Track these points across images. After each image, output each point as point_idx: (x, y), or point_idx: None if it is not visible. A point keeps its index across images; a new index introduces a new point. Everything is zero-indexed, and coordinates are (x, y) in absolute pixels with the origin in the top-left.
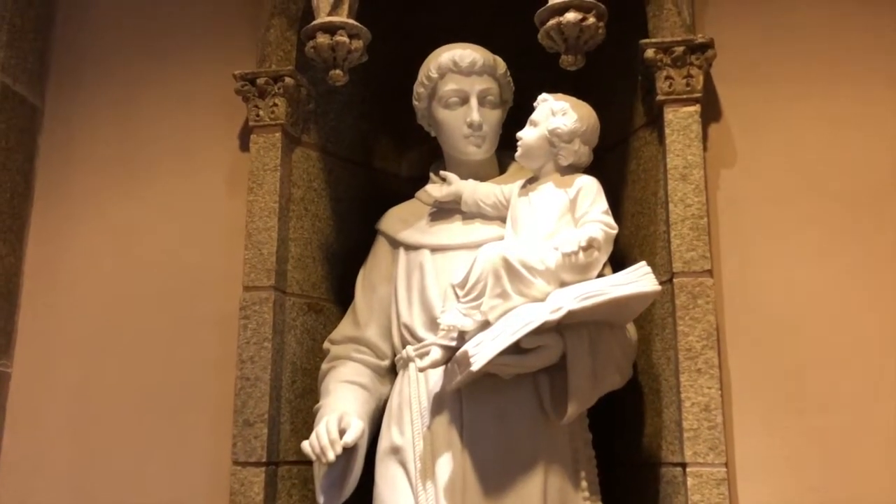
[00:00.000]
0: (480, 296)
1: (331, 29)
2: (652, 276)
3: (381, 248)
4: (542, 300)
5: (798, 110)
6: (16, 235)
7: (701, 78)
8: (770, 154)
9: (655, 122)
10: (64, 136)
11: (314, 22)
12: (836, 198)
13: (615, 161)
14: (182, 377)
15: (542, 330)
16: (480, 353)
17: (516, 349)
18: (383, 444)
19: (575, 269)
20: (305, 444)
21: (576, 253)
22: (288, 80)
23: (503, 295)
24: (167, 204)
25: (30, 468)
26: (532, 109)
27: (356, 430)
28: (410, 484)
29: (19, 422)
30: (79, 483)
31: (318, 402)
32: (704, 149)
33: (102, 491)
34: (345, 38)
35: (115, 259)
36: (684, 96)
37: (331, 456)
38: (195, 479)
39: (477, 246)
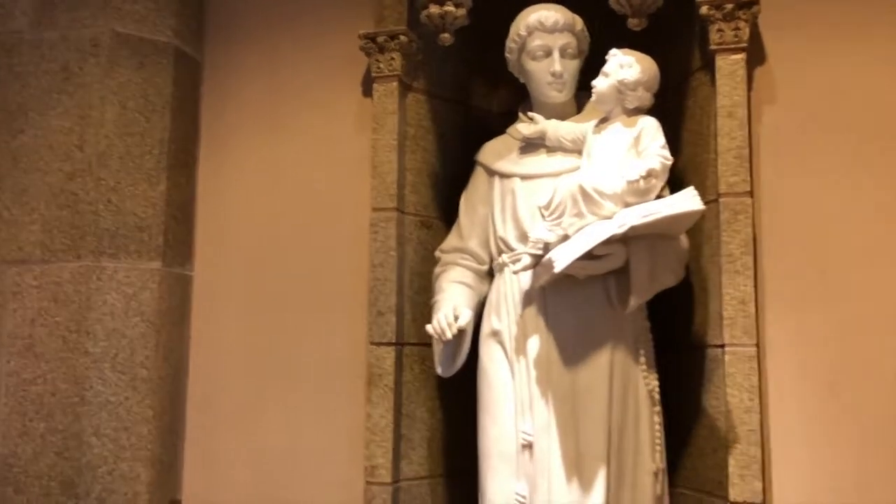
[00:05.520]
0: (561, 215)
1: (440, 0)
2: (698, 197)
3: (479, 176)
4: (611, 218)
5: (836, 52)
6: (189, 169)
7: (747, 30)
8: (808, 93)
9: (709, 66)
10: (221, 86)
11: None
12: (868, 132)
13: (677, 98)
14: (325, 278)
15: (611, 241)
16: (562, 258)
17: (590, 256)
18: (485, 329)
19: (637, 193)
20: (429, 327)
21: (637, 181)
22: (403, 37)
23: (579, 215)
24: (306, 142)
25: (213, 352)
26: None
27: (466, 316)
28: (507, 358)
29: (202, 314)
30: (252, 360)
31: (431, 298)
32: (749, 89)
33: (270, 361)
34: (452, 8)
35: (266, 187)
36: (732, 46)
37: (449, 335)
38: (339, 354)
39: (558, 174)
